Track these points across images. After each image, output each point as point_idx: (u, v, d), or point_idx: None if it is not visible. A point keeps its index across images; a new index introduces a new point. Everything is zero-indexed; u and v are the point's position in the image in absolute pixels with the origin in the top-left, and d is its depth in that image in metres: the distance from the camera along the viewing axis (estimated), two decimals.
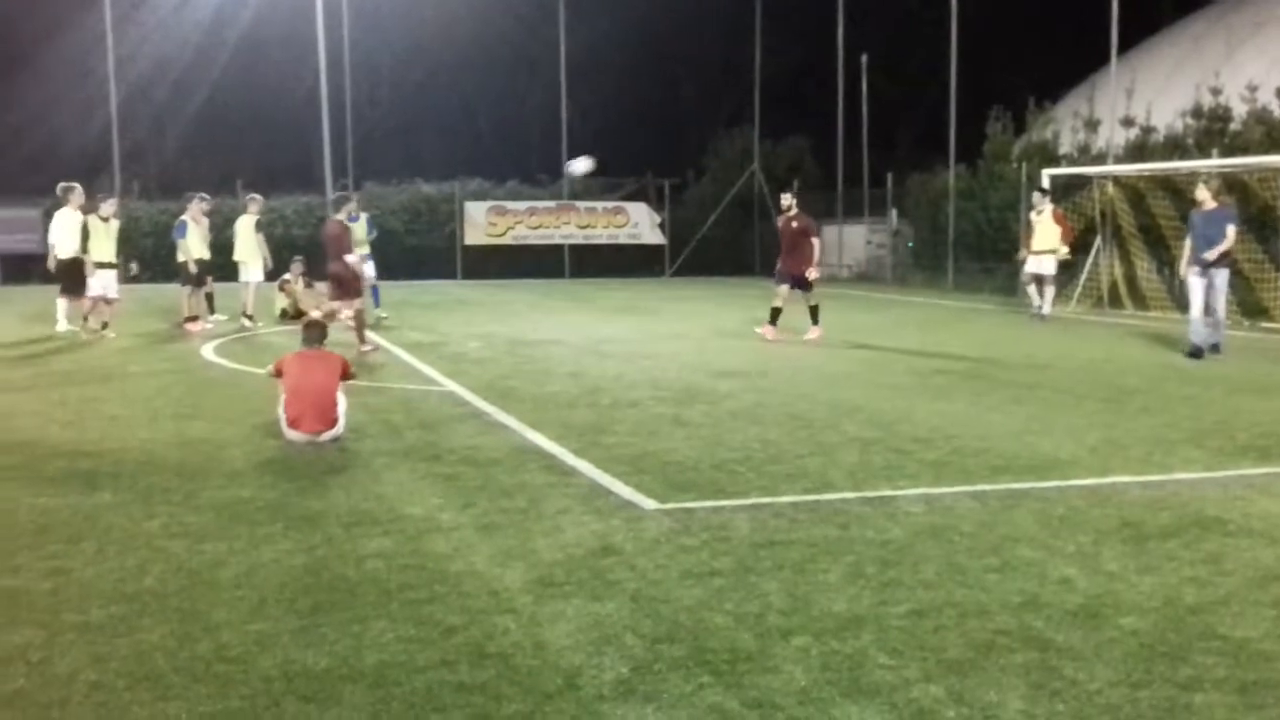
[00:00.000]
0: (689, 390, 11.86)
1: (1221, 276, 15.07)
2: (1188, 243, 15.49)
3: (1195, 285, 15.06)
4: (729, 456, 8.52)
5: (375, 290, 20.96)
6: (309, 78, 35.91)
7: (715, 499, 7.26)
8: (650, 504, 7.09)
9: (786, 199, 17.36)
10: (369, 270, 21.07)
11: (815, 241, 16.97)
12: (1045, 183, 22.40)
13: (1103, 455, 8.67)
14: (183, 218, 19.25)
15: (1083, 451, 8.79)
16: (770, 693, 4.38)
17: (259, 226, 20.06)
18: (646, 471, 7.99)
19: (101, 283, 17.36)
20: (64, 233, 17.74)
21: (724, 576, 5.70)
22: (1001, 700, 4.32)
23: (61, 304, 17.92)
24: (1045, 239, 20.30)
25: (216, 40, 41.65)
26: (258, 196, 21.11)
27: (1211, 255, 14.86)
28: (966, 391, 11.94)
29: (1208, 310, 15.03)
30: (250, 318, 19.13)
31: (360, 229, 21.71)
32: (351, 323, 15.12)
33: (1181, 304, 17.38)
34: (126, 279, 17.86)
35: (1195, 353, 14.66)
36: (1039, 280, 20.53)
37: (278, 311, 19.87)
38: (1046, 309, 20.34)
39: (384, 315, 20.07)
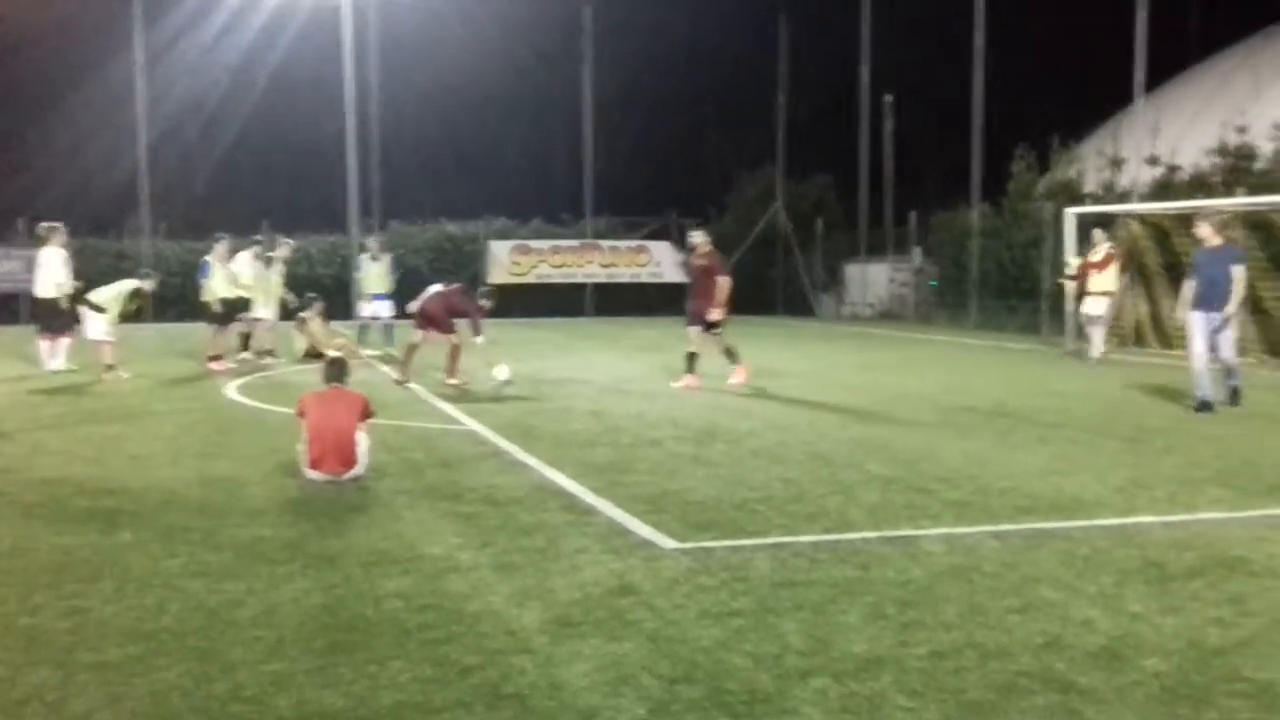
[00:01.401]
0: (710, 429, 11.83)
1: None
2: (1187, 285, 13.94)
3: (1196, 331, 13.47)
4: (749, 495, 8.49)
5: (390, 328, 21.28)
6: (336, 118, 36.26)
7: (735, 538, 7.22)
8: (669, 543, 7.06)
9: (697, 236, 16.26)
10: (385, 310, 21.59)
11: (720, 280, 15.57)
12: (1069, 223, 22.26)
13: (1127, 495, 8.60)
14: (206, 258, 19.42)
15: (1107, 491, 8.72)
16: None
17: (268, 264, 20.09)
18: (666, 510, 7.96)
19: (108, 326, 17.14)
20: (48, 272, 17.66)
21: (742, 617, 5.66)
22: None
23: (43, 344, 17.74)
24: (1103, 280, 19.87)
25: (245, 81, 42.11)
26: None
27: (1230, 309, 13.35)
28: (990, 430, 11.87)
29: (1213, 358, 13.50)
30: (270, 353, 19.32)
31: (383, 269, 22.08)
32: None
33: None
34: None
35: (1203, 406, 13.14)
36: (1092, 321, 19.83)
37: (297, 350, 19.90)
38: (1095, 352, 19.64)
39: (395, 354, 20.11)
